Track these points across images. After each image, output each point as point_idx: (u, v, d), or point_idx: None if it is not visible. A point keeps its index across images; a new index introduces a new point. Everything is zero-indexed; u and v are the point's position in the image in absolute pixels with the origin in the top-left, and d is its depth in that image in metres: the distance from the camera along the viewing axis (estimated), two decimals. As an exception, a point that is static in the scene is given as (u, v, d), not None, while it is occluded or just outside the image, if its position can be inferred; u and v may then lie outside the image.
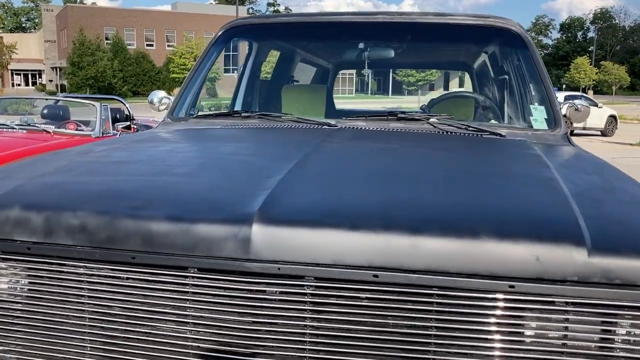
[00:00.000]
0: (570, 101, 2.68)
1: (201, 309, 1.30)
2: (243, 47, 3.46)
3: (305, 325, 1.26)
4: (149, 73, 52.72)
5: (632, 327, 1.18)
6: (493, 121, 2.82)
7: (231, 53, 3.22)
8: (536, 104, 2.67)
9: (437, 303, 1.21)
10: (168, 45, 55.92)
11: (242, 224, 1.26)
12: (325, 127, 2.47)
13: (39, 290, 1.39)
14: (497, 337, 1.20)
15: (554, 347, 1.19)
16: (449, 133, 2.38)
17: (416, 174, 1.66)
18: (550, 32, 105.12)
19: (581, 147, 2.44)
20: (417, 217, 1.28)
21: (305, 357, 1.26)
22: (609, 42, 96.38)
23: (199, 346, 1.30)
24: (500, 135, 2.40)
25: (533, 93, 2.71)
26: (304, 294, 1.25)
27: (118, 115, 6.29)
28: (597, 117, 17.91)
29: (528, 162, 1.85)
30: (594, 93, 60.88)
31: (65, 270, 1.37)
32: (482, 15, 2.91)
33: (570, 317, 1.18)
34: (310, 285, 1.25)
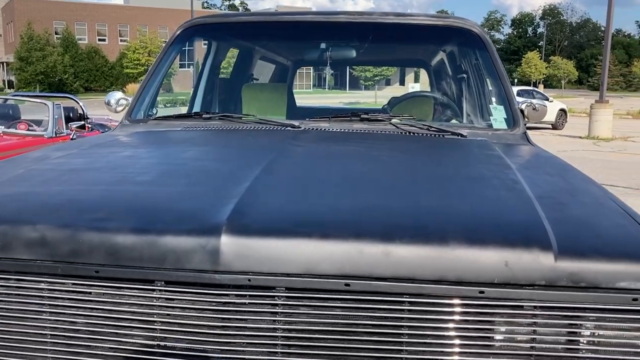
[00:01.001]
0: (528, 101, 2.74)
1: (169, 322, 1.26)
2: (200, 44, 3.40)
3: (277, 336, 1.24)
4: (101, 68, 51.40)
5: (596, 329, 1.20)
6: (454, 121, 2.86)
7: (187, 48, 3.15)
8: (495, 103, 2.71)
9: (409, 310, 1.21)
10: (121, 40, 54.65)
11: (211, 235, 1.23)
12: (288, 128, 2.45)
13: None
14: (468, 342, 1.21)
15: (522, 351, 1.21)
16: (412, 134, 2.40)
17: (384, 179, 1.66)
18: (502, 27, 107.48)
19: (539, 145, 2.50)
20: (387, 225, 1.27)
21: None
22: (558, 38, 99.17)
23: (166, 359, 1.27)
24: (462, 135, 2.43)
25: (492, 93, 2.76)
26: (275, 305, 1.24)
27: (71, 114, 6.11)
28: (548, 111, 18.41)
29: (491, 164, 1.88)
30: (544, 87, 62.57)
31: (24, 285, 1.32)
32: (442, 15, 2.94)
33: (538, 320, 1.20)
34: (281, 296, 1.23)
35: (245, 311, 1.24)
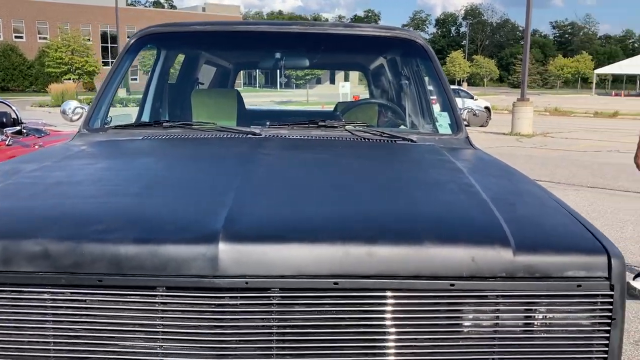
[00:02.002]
0: (469, 107, 2.97)
1: (170, 325, 1.36)
2: (154, 52, 3.44)
3: (272, 333, 1.37)
4: (19, 67, 48.95)
5: (548, 312, 1.41)
6: (403, 127, 3.05)
7: (142, 56, 3.20)
8: (440, 110, 2.93)
9: (391, 303, 1.37)
10: (40, 38, 52.25)
11: (209, 243, 1.34)
12: (250, 136, 2.57)
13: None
14: (442, 329, 1.38)
15: (487, 334, 1.39)
16: (367, 140, 2.57)
17: (357, 186, 1.82)
18: (427, 27, 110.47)
19: (480, 148, 2.73)
20: (370, 228, 1.43)
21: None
22: (479, 37, 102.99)
23: None
24: (412, 140, 2.62)
25: (436, 100, 2.98)
26: (271, 304, 1.36)
27: (5, 119, 5.91)
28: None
29: (446, 169, 2.07)
30: (468, 85, 64.91)
31: (25, 297, 1.38)
32: (389, 27, 3.13)
33: (500, 307, 1.39)
34: (276, 296, 1.36)
35: (242, 311, 1.36)
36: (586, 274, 1.38)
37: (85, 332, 1.38)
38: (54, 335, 1.38)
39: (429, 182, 1.92)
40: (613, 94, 58.96)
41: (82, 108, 2.92)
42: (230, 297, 1.35)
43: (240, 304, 1.36)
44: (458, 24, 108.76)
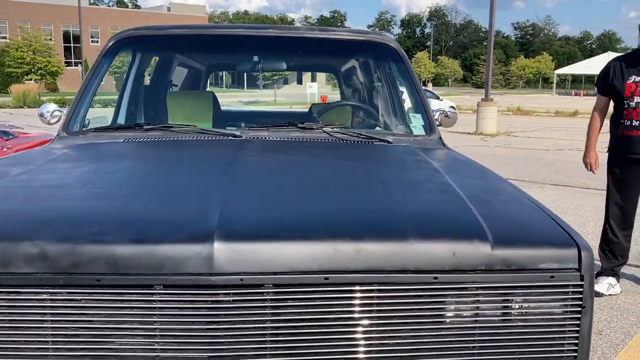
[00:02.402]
0: (441, 109, 3.08)
1: (168, 322, 1.41)
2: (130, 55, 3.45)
3: (266, 327, 1.43)
4: (-23, 67, 47.64)
5: (525, 302, 1.51)
6: (378, 128, 3.14)
7: (119, 60, 3.21)
8: (413, 112, 3.03)
9: (377, 297, 1.45)
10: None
11: (205, 242, 1.40)
12: (230, 137, 2.62)
13: None
14: (426, 320, 1.47)
15: (468, 324, 1.49)
16: (344, 141, 2.65)
17: (340, 185, 1.89)
18: (393, 28, 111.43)
19: (452, 148, 2.84)
20: (357, 226, 1.51)
21: (266, 355, 1.44)
22: (444, 38, 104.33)
23: (166, 356, 1.42)
24: (388, 141, 2.71)
25: (410, 102, 3.08)
26: (265, 300, 1.43)
27: (-29, 123, 5.80)
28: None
29: (422, 169, 2.17)
30: (433, 85, 65.72)
31: (23, 297, 1.41)
32: (362, 31, 3.22)
33: (480, 298, 1.48)
34: (270, 292, 1.43)
35: (238, 307, 1.42)
36: (558, 266, 1.49)
37: (84, 330, 1.42)
38: (52, 334, 1.41)
39: (409, 181, 2.01)
40: (573, 93, 60.59)
41: (61, 111, 2.93)
42: (225, 293, 1.41)
43: (236, 300, 1.42)
44: (423, 24, 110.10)
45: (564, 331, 1.51)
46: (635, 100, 3.52)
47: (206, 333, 1.42)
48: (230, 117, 4.22)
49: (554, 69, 70.42)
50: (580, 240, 1.53)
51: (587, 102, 34.59)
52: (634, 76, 3.55)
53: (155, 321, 1.42)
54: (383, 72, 3.41)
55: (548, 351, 1.51)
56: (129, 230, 1.45)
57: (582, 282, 1.49)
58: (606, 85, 3.76)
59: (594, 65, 64.10)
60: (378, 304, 1.45)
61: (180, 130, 2.69)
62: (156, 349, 1.42)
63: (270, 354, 1.44)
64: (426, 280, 1.46)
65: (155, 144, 2.54)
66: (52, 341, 1.42)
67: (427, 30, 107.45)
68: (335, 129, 2.75)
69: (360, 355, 1.45)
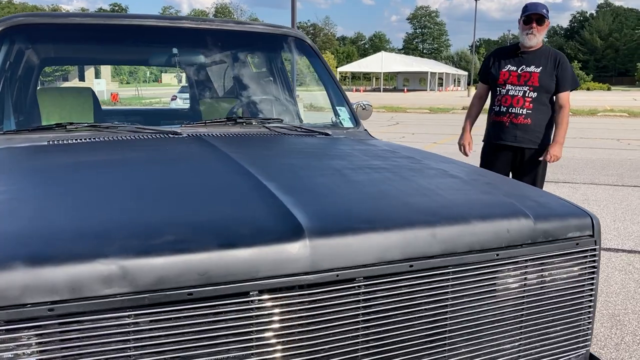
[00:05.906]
0: (359, 102, 3.20)
1: (264, 329, 1.32)
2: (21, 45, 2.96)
3: (358, 322, 1.41)
4: None
5: (557, 268, 1.69)
6: (306, 122, 3.15)
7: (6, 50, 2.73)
8: (337, 105, 3.11)
9: (452, 278, 1.52)
10: None
11: (298, 241, 1.33)
12: (171, 135, 2.45)
13: (70, 356, 1.18)
14: (487, 295, 1.58)
15: (517, 293, 1.63)
16: (284, 135, 2.64)
17: (370, 177, 1.89)
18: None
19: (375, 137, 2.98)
20: (428, 213, 1.56)
21: (358, 349, 1.42)
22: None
23: None
24: (327, 134, 2.76)
25: (331, 95, 3.14)
26: (358, 294, 1.40)
27: None
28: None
29: (382, 158, 2.22)
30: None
31: (101, 325, 1.20)
32: (275, 25, 3.19)
33: (528, 270, 1.64)
34: (361, 285, 1.41)
35: (334, 304, 1.38)
36: (580, 234, 1.71)
37: (172, 353, 1.25)
38: (135, 355, 1.23)
39: (420, 170, 2.08)
40: (354, 89, 65.59)
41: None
42: (324, 291, 1.36)
43: (332, 297, 1.38)
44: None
45: (583, 288, 1.73)
46: (507, 88, 3.96)
47: (304, 336, 1.35)
48: (112, 115, 3.85)
49: (336, 67, 75.52)
50: (589, 211, 1.77)
51: (370, 97, 37.87)
52: (509, 66, 3.98)
53: (251, 330, 1.31)
54: (303, 66, 3.41)
55: (574, 304, 1.72)
56: (212, 235, 1.31)
57: (596, 246, 1.73)
58: (485, 72, 4.14)
59: (369, 64, 70.41)
60: (453, 285, 1.52)
61: (113, 129, 2.42)
62: (252, 353, 1.31)
63: (361, 348, 1.42)
64: (490, 257, 1.57)
65: (96, 145, 2.25)
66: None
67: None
68: (273, 124, 2.72)
69: (446, 335, 1.51)
